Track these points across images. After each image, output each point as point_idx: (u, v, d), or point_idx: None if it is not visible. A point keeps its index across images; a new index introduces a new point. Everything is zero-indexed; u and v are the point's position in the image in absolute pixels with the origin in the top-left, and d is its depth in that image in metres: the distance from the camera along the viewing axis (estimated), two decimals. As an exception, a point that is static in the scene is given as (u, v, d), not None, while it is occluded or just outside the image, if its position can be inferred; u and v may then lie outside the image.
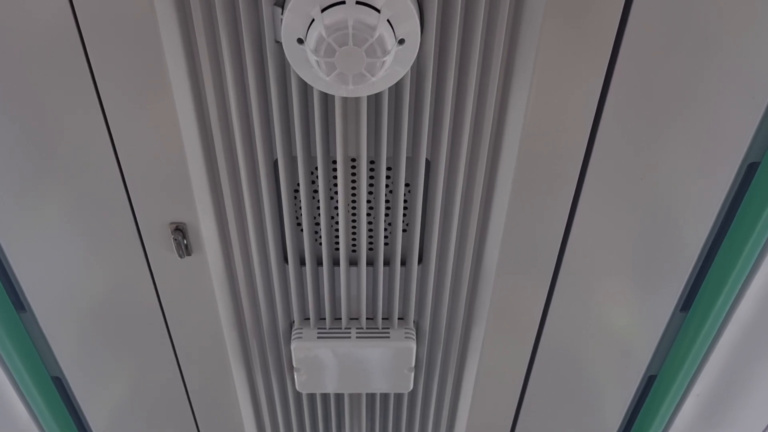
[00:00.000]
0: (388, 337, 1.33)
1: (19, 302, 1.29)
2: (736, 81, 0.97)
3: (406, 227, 1.19)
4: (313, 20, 0.83)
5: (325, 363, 1.36)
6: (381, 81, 0.90)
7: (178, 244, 1.14)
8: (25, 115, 0.99)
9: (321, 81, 0.89)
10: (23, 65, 0.93)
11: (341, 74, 0.85)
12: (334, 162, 1.09)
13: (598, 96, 0.98)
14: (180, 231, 1.13)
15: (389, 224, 1.19)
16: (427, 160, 1.08)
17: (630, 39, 0.92)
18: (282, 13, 0.86)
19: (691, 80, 0.96)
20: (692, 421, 1.55)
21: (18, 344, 1.33)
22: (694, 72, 0.95)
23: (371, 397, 1.55)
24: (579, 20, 0.90)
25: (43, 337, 1.35)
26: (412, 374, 1.39)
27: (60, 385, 1.48)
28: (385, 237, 1.21)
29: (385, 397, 1.55)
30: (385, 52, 0.84)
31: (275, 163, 1.08)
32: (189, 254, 1.16)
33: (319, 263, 1.24)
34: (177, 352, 1.38)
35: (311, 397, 1.54)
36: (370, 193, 1.14)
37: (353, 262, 1.24)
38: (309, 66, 0.88)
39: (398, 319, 1.34)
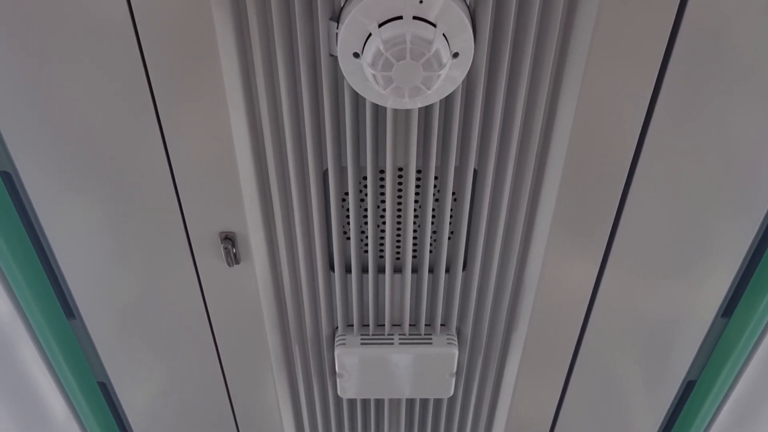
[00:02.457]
0: (431, 343, 1.34)
1: (68, 309, 1.31)
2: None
3: (451, 235, 1.21)
4: (370, 35, 0.84)
5: (367, 368, 1.37)
6: (434, 93, 0.91)
7: (228, 253, 1.16)
8: (80, 124, 1.01)
9: (376, 94, 0.91)
10: (82, 76, 0.96)
11: (398, 87, 0.87)
12: (382, 171, 1.11)
13: (646, 108, 0.99)
14: (230, 240, 1.15)
15: (434, 232, 1.20)
16: (474, 169, 1.09)
17: (677, 59, 0.93)
18: (337, 28, 0.88)
19: (737, 84, 0.96)
20: (730, 427, 1.55)
21: (66, 350, 1.35)
22: (741, 76, 0.96)
23: (410, 401, 1.56)
24: (630, 34, 0.91)
25: (90, 343, 1.37)
26: (453, 380, 1.41)
27: (105, 390, 1.51)
28: (430, 245, 1.22)
29: (424, 402, 1.56)
30: (441, 66, 0.85)
31: (325, 173, 1.10)
32: (237, 263, 1.18)
33: (365, 271, 1.26)
34: (221, 357, 1.39)
35: (351, 402, 1.55)
36: (416, 202, 1.15)
37: (397, 270, 1.25)
38: (364, 79, 0.89)
39: (440, 325, 1.35)
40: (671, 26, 0.91)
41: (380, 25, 0.83)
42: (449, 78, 0.89)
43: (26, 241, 1.17)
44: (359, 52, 0.87)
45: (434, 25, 0.84)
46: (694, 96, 0.97)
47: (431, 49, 0.84)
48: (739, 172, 1.07)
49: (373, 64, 0.85)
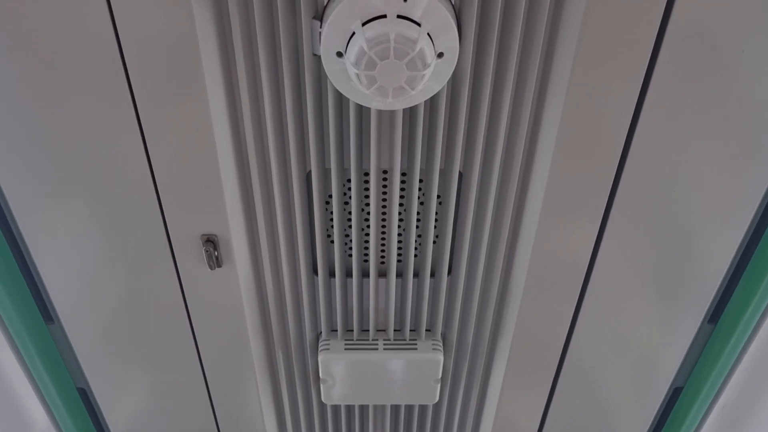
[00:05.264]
0: (416, 349, 1.33)
1: (47, 313, 1.29)
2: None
3: (436, 239, 1.19)
4: (354, 33, 0.83)
5: (351, 374, 1.36)
6: (418, 94, 0.90)
7: (209, 256, 1.14)
8: (59, 125, 0.99)
9: (359, 93, 0.90)
10: (61, 76, 0.94)
11: (381, 87, 0.86)
12: (366, 174, 1.09)
13: (632, 113, 0.98)
14: (211, 243, 1.13)
15: (419, 236, 1.19)
16: (460, 172, 1.08)
17: (667, 49, 0.92)
18: (321, 27, 0.86)
19: (723, 95, 0.96)
20: (717, 433, 1.54)
21: (45, 355, 1.33)
22: (727, 87, 0.95)
23: (395, 408, 1.55)
24: (616, 39, 0.90)
25: (69, 347, 1.35)
26: (438, 386, 1.39)
27: (84, 396, 1.48)
28: (415, 248, 1.21)
29: (409, 408, 1.55)
30: (425, 66, 0.84)
31: (308, 175, 1.08)
32: (219, 266, 1.16)
33: (348, 275, 1.24)
34: (203, 363, 1.37)
35: (335, 408, 1.54)
36: (401, 205, 1.14)
37: (382, 274, 1.24)
38: (347, 79, 0.88)
39: (426, 330, 1.34)
40: (658, 25, 0.90)
41: (364, 24, 0.82)
42: (434, 78, 0.88)
43: (4, 244, 1.15)
44: (343, 52, 0.85)
45: (419, 24, 0.82)
46: (680, 99, 0.96)
47: (415, 49, 0.82)
48: (724, 177, 1.07)
49: (356, 63, 0.84)
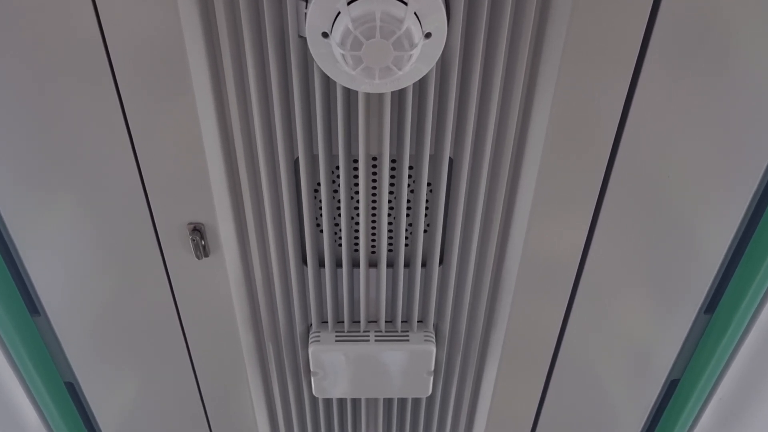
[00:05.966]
0: (408, 340, 1.31)
1: (32, 305, 1.27)
2: (760, 85, 0.95)
3: (427, 228, 1.17)
4: (339, 13, 0.81)
5: (342, 367, 1.34)
6: (406, 76, 0.88)
7: (196, 245, 1.12)
8: (42, 112, 0.98)
9: (346, 76, 0.88)
10: (42, 59, 0.92)
11: (368, 68, 0.84)
12: (355, 161, 1.07)
13: (625, 94, 0.96)
14: (198, 231, 1.11)
15: (410, 224, 1.17)
16: (450, 158, 1.06)
17: (658, 37, 0.90)
18: (306, 7, 0.85)
19: (716, 84, 0.95)
20: (715, 425, 1.53)
21: (31, 348, 1.31)
22: (719, 76, 0.94)
23: (388, 401, 1.53)
24: (607, 16, 0.88)
25: (56, 341, 1.33)
26: (431, 378, 1.37)
27: (72, 390, 1.46)
28: (406, 238, 1.19)
29: (402, 401, 1.53)
30: (412, 45, 0.82)
31: (296, 162, 1.07)
32: (207, 255, 1.14)
33: (338, 265, 1.22)
34: (192, 355, 1.35)
35: (327, 402, 1.52)
36: (390, 192, 1.12)
37: (373, 264, 1.22)
38: (333, 61, 0.86)
39: (417, 321, 1.32)
40: (648, 11, 0.88)
41: (349, 3, 0.80)
42: (422, 60, 0.86)
43: (-13, 234, 1.13)
44: (328, 32, 0.84)
45: (405, 3, 0.81)
46: (672, 84, 0.95)
47: (402, 28, 0.81)
48: (719, 167, 1.05)
49: (342, 44, 0.82)
